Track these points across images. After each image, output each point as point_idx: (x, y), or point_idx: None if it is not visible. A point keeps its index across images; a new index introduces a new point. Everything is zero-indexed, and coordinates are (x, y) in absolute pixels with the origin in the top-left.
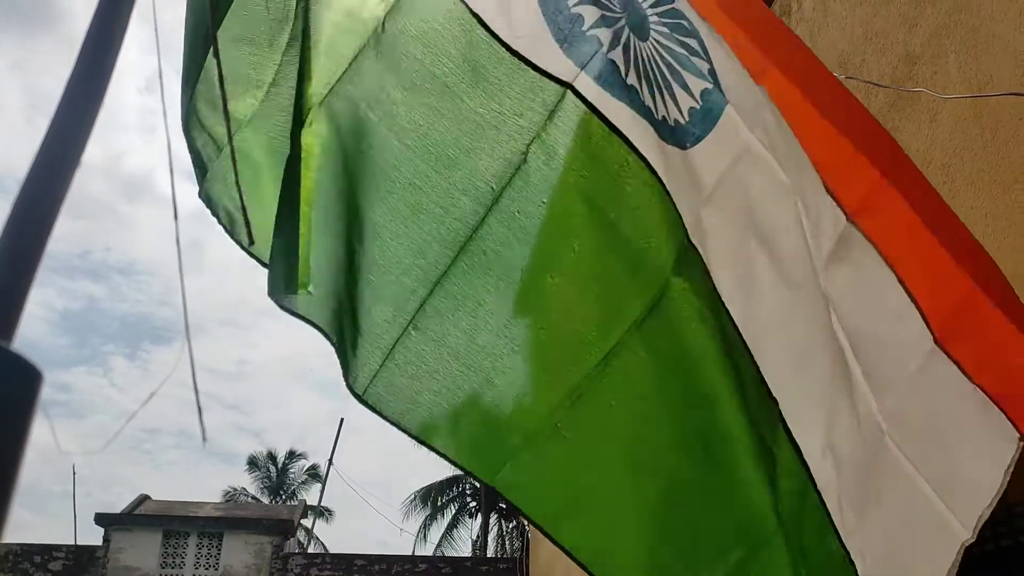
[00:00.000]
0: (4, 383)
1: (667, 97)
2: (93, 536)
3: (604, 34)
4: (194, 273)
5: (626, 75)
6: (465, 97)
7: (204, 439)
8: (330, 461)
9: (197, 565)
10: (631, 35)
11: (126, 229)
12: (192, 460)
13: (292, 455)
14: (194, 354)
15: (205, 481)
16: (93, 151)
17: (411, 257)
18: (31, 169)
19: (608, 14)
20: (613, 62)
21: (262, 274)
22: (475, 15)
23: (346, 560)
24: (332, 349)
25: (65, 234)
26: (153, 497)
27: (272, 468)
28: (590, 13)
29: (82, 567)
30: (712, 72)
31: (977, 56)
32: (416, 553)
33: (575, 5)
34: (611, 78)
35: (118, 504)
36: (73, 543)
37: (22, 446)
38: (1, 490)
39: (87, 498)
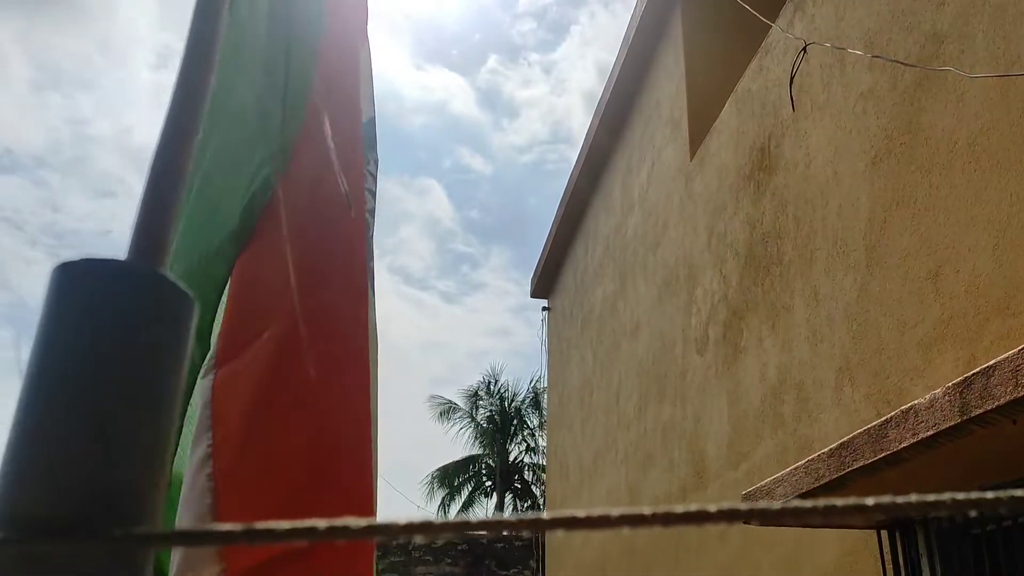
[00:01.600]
0: (161, 309)
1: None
2: None
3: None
4: None
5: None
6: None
7: None
8: None
9: None
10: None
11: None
12: None
13: None
14: None
15: None
16: (102, 125)
17: None
18: (169, 109)
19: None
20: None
21: None
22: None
23: None
24: None
25: (88, 213)
26: None
27: None
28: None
29: None
30: None
31: (1005, 35)
32: None
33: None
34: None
35: None
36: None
37: (180, 372)
38: (164, 423)
39: None
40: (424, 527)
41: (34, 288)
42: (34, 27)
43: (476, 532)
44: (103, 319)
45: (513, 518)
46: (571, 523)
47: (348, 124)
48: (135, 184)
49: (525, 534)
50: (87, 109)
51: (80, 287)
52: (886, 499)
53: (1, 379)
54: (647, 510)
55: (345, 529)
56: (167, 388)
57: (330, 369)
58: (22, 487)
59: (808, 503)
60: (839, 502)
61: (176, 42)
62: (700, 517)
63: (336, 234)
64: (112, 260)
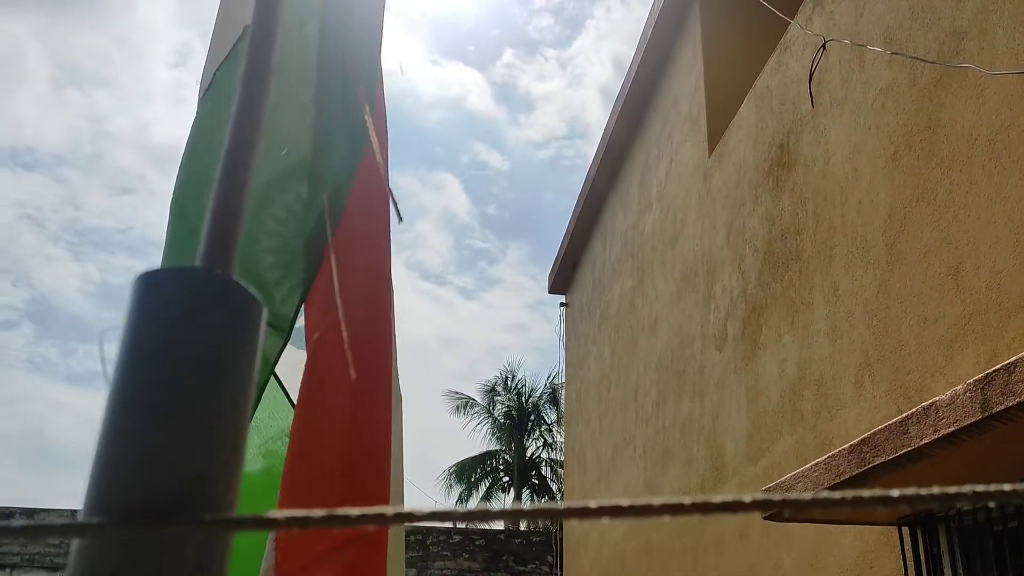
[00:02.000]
0: (235, 312)
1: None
2: None
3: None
4: None
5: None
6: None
7: None
8: None
9: None
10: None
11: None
12: None
13: None
14: None
15: None
16: (121, 122)
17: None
18: (234, 118)
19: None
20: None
21: None
22: None
23: None
24: None
25: (109, 210)
26: None
27: None
28: None
29: None
30: None
31: None
32: (456, 526)
33: None
34: None
35: None
36: None
37: (253, 370)
38: (240, 416)
39: None
40: (446, 515)
41: (55, 285)
42: (54, 24)
43: (494, 523)
44: (183, 323)
45: (532, 507)
46: (611, 511)
47: (384, 127)
48: (155, 181)
49: (543, 528)
50: (106, 106)
51: (161, 294)
52: (911, 491)
53: (12, 371)
54: (686, 499)
55: (379, 516)
56: (242, 385)
57: (367, 369)
58: (116, 476)
59: (837, 494)
60: (866, 493)
61: (194, 39)
62: (735, 507)
63: (378, 237)
64: (190, 268)
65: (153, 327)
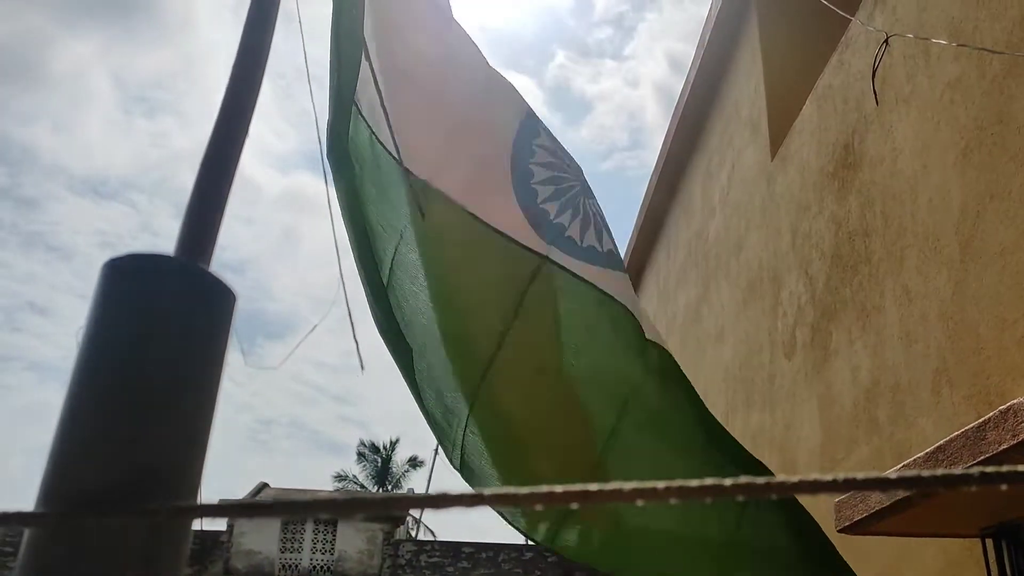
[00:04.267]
0: (203, 302)
1: (606, 234)
2: (216, 521)
3: (565, 217)
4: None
5: (582, 241)
6: (465, 274)
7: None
8: (435, 450)
9: (314, 550)
10: (583, 198)
11: (230, 224)
12: (303, 450)
13: (394, 445)
14: (302, 347)
15: (316, 470)
16: (183, 144)
17: (449, 376)
18: (220, 112)
19: (565, 198)
20: (571, 238)
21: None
22: (470, 214)
23: (454, 547)
24: None
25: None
26: (271, 485)
27: (377, 458)
28: (552, 208)
29: (207, 551)
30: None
31: None
32: (528, 543)
33: (543, 203)
34: (572, 248)
35: (239, 491)
36: (199, 527)
37: (221, 361)
38: (204, 406)
39: (207, 486)
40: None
41: None
42: (115, 44)
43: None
44: (147, 309)
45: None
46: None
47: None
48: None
49: None
50: (169, 129)
51: (127, 280)
52: (911, 473)
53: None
54: (794, 477)
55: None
56: (207, 373)
57: None
58: (71, 464)
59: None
60: (859, 474)
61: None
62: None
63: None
64: (156, 255)
65: (114, 314)
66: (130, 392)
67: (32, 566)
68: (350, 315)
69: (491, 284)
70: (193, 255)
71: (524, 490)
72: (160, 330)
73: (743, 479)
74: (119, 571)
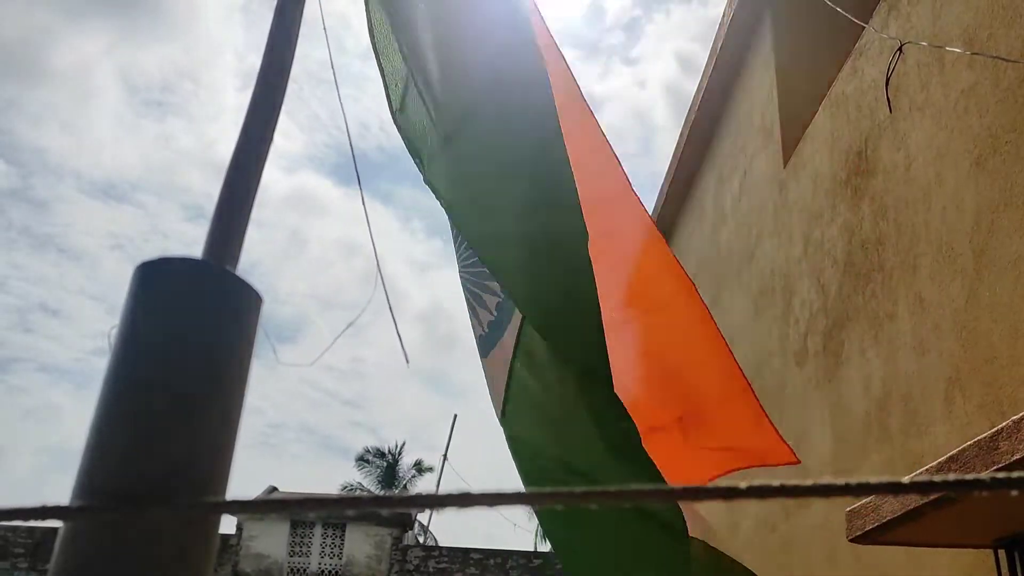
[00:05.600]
0: (231, 303)
1: (479, 308)
2: (226, 524)
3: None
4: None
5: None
6: None
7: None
8: (444, 456)
9: (322, 554)
10: (466, 284)
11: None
12: (313, 454)
13: (401, 450)
14: (312, 352)
15: (325, 474)
16: (186, 141)
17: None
18: (246, 116)
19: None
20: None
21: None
22: None
23: (462, 553)
24: (441, 348)
25: (196, 238)
26: (280, 489)
27: (384, 463)
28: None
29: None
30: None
31: None
32: (537, 550)
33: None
34: (482, 348)
35: (247, 495)
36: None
37: (248, 361)
38: (232, 405)
39: None
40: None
41: None
42: (122, 41)
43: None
44: (178, 311)
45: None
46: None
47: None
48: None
49: None
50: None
51: (159, 283)
52: (923, 477)
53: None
54: (808, 481)
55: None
56: (236, 373)
57: None
58: (104, 460)
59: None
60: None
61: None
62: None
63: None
64: (187, 258)
65: (148, 316)
66: (163, 390)
67: (70, 562)
68: (392, 312)
69: None
70: (221, 258)
71: (523, 491)
72: (192, 331)
73: (756, 483)
74: (155, 565)
